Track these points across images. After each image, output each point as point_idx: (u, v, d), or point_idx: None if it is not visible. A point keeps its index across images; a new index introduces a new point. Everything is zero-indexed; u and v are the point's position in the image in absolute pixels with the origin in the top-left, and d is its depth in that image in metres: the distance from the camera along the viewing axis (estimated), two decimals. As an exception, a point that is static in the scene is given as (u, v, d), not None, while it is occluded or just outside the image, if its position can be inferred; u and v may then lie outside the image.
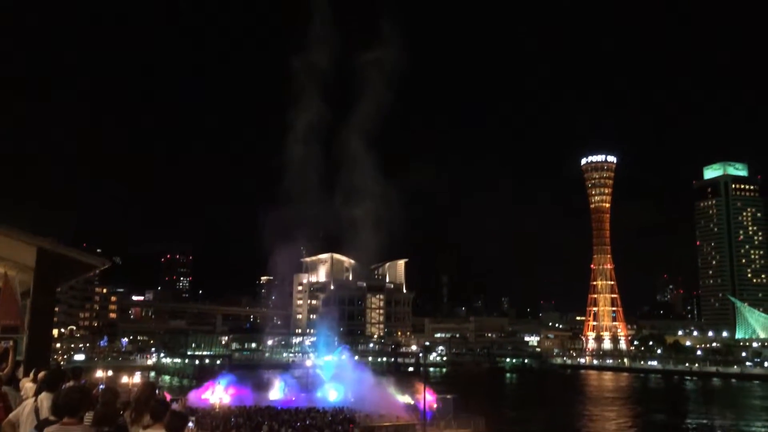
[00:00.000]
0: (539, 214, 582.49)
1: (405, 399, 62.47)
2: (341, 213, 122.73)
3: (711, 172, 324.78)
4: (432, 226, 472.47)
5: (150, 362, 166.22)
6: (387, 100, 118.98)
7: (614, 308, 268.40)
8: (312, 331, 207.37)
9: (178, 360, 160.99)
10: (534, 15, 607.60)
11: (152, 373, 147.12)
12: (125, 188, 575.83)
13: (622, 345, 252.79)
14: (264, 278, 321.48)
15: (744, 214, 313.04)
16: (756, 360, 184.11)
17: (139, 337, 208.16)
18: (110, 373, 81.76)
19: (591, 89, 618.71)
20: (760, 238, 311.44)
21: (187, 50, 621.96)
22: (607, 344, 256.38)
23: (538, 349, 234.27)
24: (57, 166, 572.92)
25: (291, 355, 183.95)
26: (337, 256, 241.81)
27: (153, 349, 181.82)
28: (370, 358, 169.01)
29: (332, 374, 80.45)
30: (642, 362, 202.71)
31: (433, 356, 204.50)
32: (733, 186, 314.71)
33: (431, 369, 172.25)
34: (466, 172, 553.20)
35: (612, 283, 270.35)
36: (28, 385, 9.94)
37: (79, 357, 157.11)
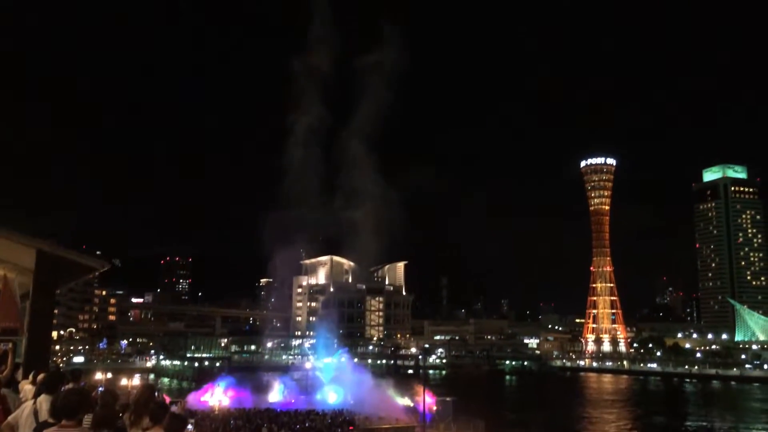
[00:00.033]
0: (539, 216, 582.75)
1: (404, 401, 62.36)
2: (341, 215, 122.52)
3: (710, 175, 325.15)
4: (432, 226, 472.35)
5: (149, 364, 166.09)
6: (387, 100, 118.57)
7: (614, 310, 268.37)
8: (311, 333, 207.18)
9: (177, 362, 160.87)
10: (534, 15, 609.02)
11: (151, 376, 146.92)
12: (124, 189, 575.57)
13: (622, 347, 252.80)
14: (263, 280, 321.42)
15: (743, 216, 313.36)
16: (755, 362, 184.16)
17: (138, 340, 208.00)
18: (109, 375, 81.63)
19: (591, 90, 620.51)
20: (760, 240, 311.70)
21: (187, 50, 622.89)
22: (606, 346, 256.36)
23: (537, 352, 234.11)
24: (57, 166, 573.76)
25: (290, 357, 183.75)
26: (336, 258, 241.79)
27: (152, 351, 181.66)
28: (369, 361, 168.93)
29: (332, 376, 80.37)
30: (641, 365, 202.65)
31: (432, 358, 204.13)
32: (733, 188, 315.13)
33: (431, 371, 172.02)
34: (466, 173, 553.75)
35: (611, 285, 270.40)
36: (27, 388, 9.94)
37: (79, 359, 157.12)
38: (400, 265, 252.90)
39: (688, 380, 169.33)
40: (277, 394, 70.65)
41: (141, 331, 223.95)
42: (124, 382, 66.25)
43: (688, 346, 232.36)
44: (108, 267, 17.50)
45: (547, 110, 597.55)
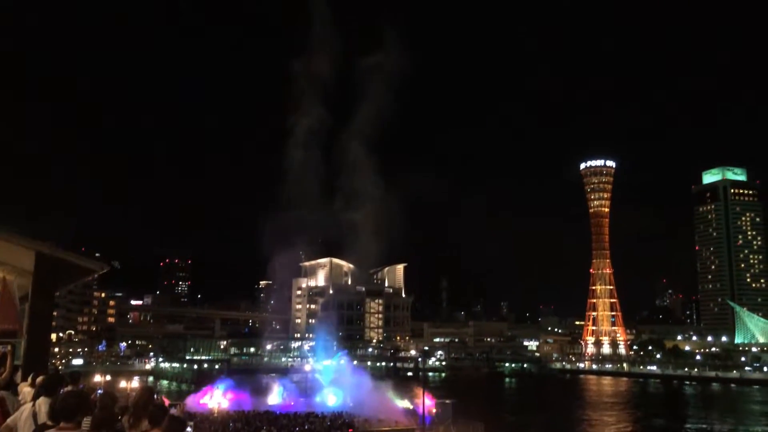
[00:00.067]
0: (539, 218, 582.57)
1: (404, 404, 62.31)
2: (340, 217, 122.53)
3: (710, 177, 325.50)
4: (431, 227, 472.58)
5: (148, 367, 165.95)
6: (387, 100, 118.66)
7: (613, 313, 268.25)
8: (311, 335, 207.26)
9: (176, 364, 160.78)
10: (534, 15, 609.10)
11: (150, 378, 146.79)
12: (124, 189, 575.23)
13: (622, 350, 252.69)
14: (263, 282, 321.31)
15: (743, 218, 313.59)
16: (755, 365, 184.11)
17: (137, 342, 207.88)
18: (108, 377, 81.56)
19: (591, 90, 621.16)
20: (759, 242, 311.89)
21: (187, 50, 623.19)
22: (606, 349, 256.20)
23: (537, 354, 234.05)
24: (57, 166, 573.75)
25: (290, 359, 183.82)
26: (336, 260, 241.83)
27: (151, 353, 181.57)
28: (369, 363, 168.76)
29: (331, 379, 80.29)
30: (641, 367, 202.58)
31: (432, 361, 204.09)
32: (732, 191, 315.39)
33: (430, 374, 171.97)
34: (466, 173, 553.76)
35: (611, 287, 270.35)
36: (26, 390, 9.92)
37: (78, 361, 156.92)
38: (400, 267, 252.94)
39: (687, 383, 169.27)
40: (276, 397, 70.60)
41: (140, 333, 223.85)
42: (123, 384, 66.10)
43: (687, 348, 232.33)
44: (107, 269, 17.47)
45: (547, 110, 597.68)
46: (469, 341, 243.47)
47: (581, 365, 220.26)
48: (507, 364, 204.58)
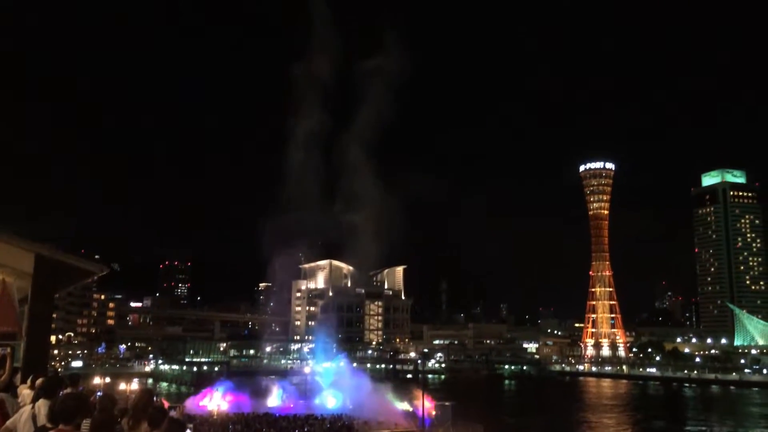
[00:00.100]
0: (538, 219, 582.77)
1: (403, 406, 62.34)
2: (340, 219, 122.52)
3: (709, 179, 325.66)
4: (431, 228, 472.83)
5: (148, 369, 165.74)
6: (387, 101, 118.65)
7: (613, 315, 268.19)
8: (310, 337, 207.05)
9: (176, 367, 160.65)
10: (534, 15, 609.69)
11: (150, 380, 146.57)
12: (124, 190, 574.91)
13: (621, 352, 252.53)
14: (263, 284, 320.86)
15: (742, 221, 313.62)
16: (755, 367, 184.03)
17: (137, 344, 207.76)
18: (108, 379, 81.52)
19: (590, 90, 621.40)
20: (759, 245, 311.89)
21: (187, 50, 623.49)
22: (605, 351, 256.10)
23: (536, 356, 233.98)
24: (57, 166, 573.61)
25: (289, 361, 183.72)
26: (335, 262, 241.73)
27: (151, 355, 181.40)
28: (368, 365, 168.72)
29: (331, 381, 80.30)
30: (641, 369, 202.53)
31: (431, 363, 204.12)
32: (732, 193, 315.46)
33: (430, 376, 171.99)
34: (466, 173, 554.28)
35: (611, 289, 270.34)
36: (25, 392, 9.94)
37: (77, 363, 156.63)
38: (399, 269, 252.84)
39: (687, 385, 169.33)
40: (275, 399, 70.63)
41: (140, 335, 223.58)
42: (122, 386, 66.05)
43: (687, 350, 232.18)
44: (107, 271, 17.47)
45: (547, 110, 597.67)
46: (468, 343, 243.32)
47: (581, 367, 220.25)
48: (506, 367, 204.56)
